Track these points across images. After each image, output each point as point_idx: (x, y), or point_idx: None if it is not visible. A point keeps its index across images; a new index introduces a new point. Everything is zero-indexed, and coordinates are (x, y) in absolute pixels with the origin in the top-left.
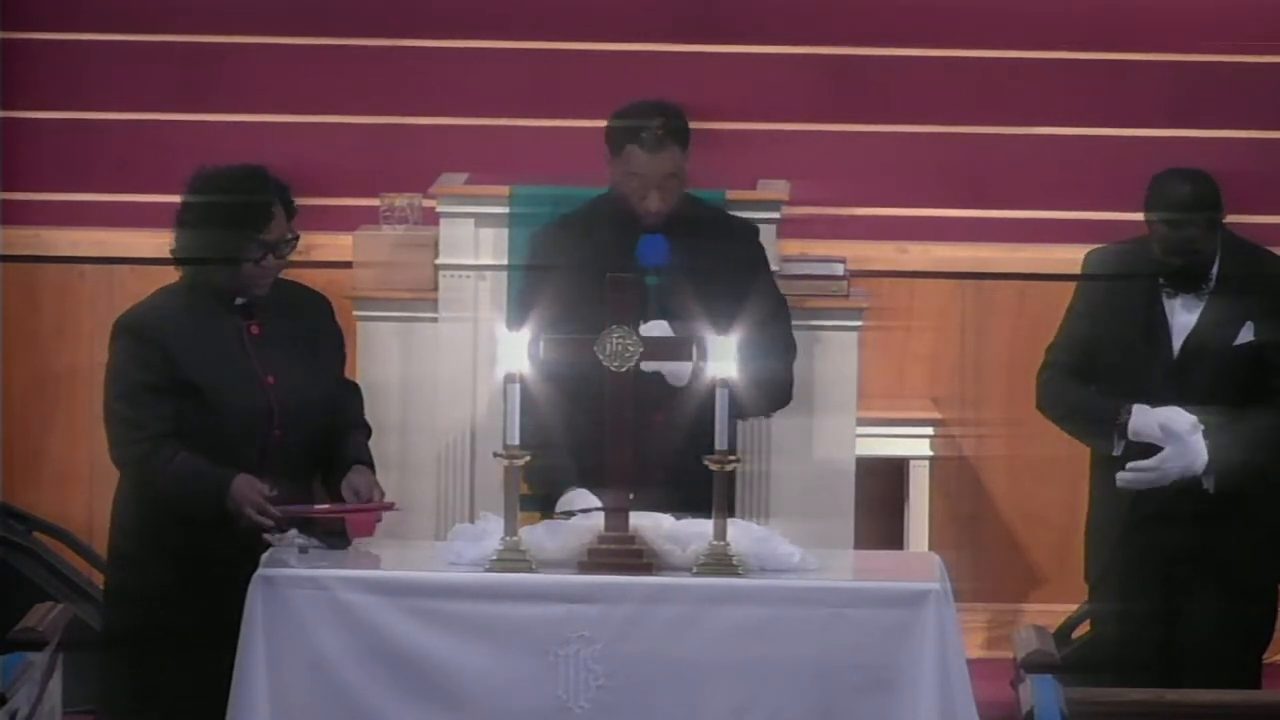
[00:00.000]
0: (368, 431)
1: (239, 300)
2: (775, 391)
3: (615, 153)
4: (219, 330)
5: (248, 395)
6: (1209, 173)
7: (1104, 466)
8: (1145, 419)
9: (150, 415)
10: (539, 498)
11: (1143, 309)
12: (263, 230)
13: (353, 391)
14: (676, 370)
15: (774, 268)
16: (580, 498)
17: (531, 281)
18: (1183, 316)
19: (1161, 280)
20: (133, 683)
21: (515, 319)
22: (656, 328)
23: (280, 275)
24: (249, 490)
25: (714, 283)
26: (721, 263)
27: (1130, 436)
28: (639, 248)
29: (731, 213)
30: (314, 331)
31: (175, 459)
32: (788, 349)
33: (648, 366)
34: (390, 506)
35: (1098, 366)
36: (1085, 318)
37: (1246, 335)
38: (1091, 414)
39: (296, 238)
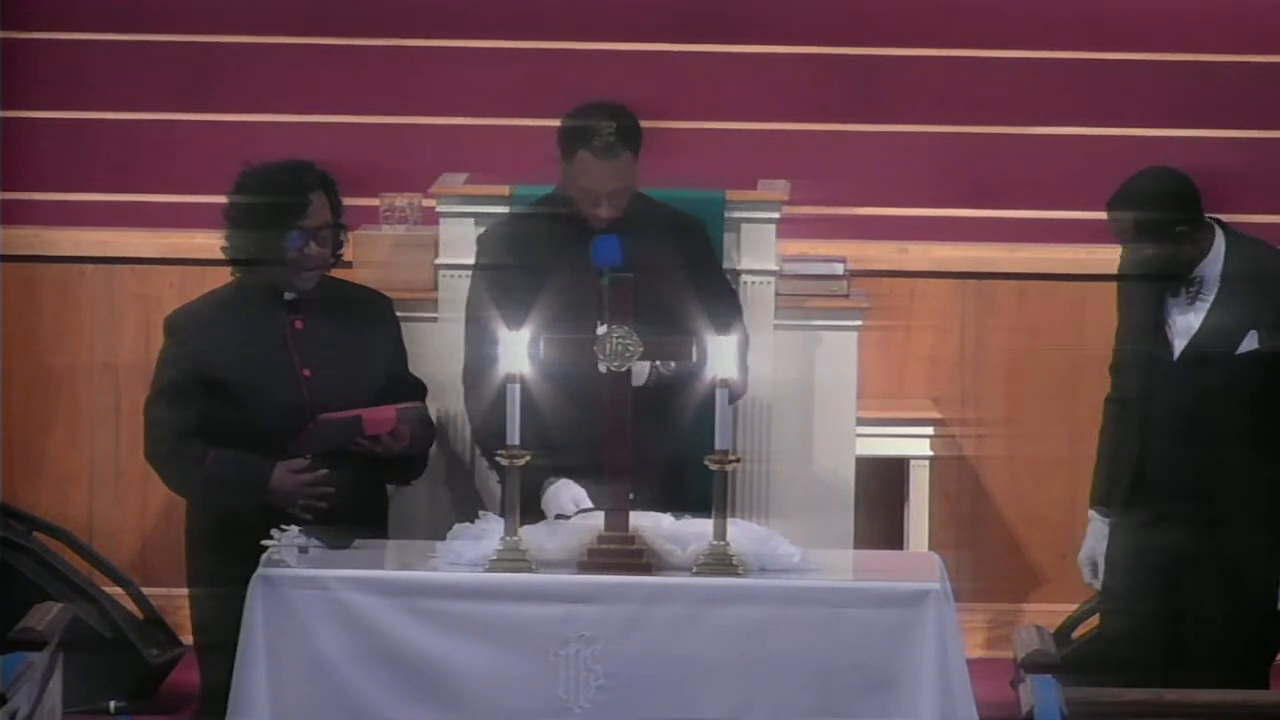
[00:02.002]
0: (429, 427)
1: (288, 295)
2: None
3: (567, 157)
4: (262, 325)
5: (281, 389)
6: (1179, 172)
7: None
8: (1090, 538)
9: (177, 414)
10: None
11: (1151, 313)
12: (301, 217)
13: (410, 389)
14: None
15: (774, 267)
16: (564, 488)
17: (481, 282)
18: (1184, 319)
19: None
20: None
21: (472, 322)
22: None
23: (333, 274)
24: (288, 481)
25: (663, 279)
26: (670, 259)
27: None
28: (593, 248)
29: (678, 209)
30: (364, 329)
31: (208, 459)
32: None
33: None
34: (414, 404)
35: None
36: (1119, 326)
37: (1250, 344)
38: (1096, 475)
39: (344, 228)
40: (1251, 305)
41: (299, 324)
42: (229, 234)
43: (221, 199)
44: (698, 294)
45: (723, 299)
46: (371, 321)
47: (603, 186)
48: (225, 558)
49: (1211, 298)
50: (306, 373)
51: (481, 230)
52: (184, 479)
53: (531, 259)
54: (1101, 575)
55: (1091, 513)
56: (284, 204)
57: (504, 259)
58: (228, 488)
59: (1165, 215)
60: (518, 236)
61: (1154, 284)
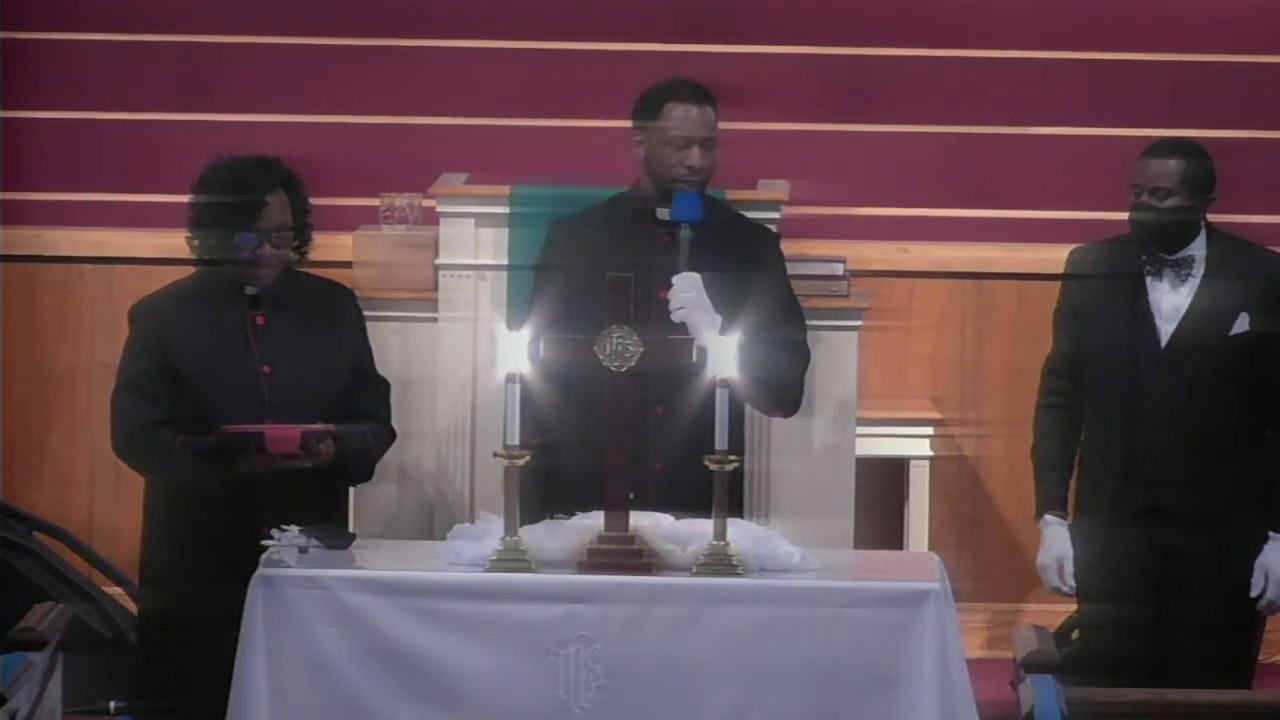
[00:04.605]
0: (386, 431)
1: (249, 290)
2: (781, 390)
3: (651, 115)
4: (223, 319)
5: (240, 384)
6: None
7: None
8: (1055, 541)
9: (145, 405)
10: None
11: (1127, 303)
12: (256, 219)
13: (373, 386)
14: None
15: None
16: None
17: (545, 274)
18: (1171, 301)
19: (1144, 259)
20: (166, 671)
21: (525, 311)
22: (688, 280)
23: (299, 268)
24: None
25: (734, 279)
26: (743, 264)
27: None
28: (674, 203)
29: (754, 219)
30: (327, 324)
31: (175, 444)
32: (797, 352)
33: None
34: (328, 429)
35: (1085, 370)
36: (1071, 319)
37: (1242, 326)
38: (1042, 483)
39: (305, 229)
40: (1240, 287)
41: (260, 319)
42: (191, 230)
43: (220, 188)
44: (765, 303)
45: (789, 313)
46: (335, 318)
47: (696, 132)
48: (181, 552)
49: (1199, 278)
50: (266, 369)
51: (553, 222)
52: (158, 468)
53: (603, 255)
54: (1070, 577)
55: (1048, 517)
56: (239, 204)
57: (576, 254)
58: (198, 468)
59: (1205, 173)
60: (588, 231)
61: (1138, 277)
